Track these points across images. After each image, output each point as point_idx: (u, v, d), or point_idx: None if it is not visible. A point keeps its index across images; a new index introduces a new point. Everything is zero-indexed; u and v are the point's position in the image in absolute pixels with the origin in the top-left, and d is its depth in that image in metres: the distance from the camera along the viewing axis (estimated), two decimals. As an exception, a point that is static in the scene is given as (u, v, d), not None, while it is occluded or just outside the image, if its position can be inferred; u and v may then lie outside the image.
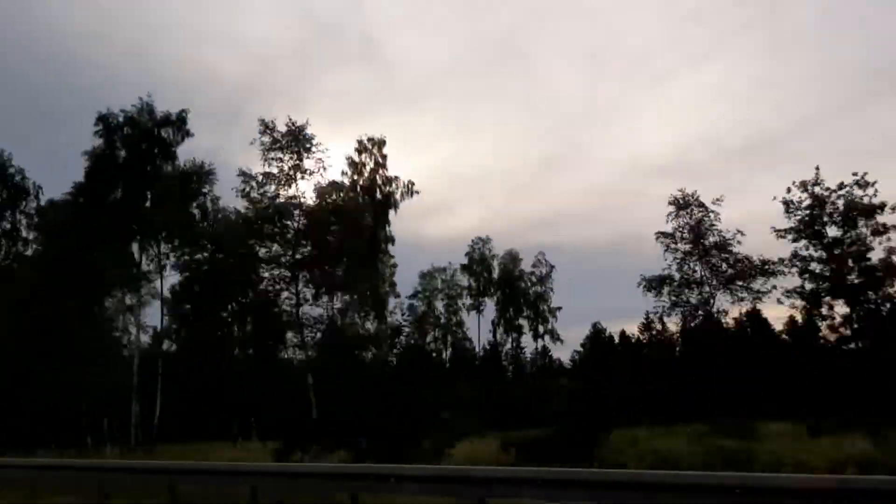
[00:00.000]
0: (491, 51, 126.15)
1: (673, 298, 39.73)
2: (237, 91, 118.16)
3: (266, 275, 38.23)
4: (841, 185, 34.72)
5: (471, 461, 14.77)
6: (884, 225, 34.13)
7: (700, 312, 39.73)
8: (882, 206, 34.04)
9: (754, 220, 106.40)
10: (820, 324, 37.08)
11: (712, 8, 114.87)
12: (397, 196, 44.45)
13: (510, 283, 63.95)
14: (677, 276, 39.49)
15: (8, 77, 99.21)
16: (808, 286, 35.77)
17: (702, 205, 39.35)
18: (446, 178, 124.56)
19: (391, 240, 44.85)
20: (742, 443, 17.36)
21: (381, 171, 44.84)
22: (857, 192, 34.47)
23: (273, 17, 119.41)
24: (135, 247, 37.64)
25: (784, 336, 44.81)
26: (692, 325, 40.99)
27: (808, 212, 35.21)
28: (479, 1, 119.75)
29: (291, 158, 37.40)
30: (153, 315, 41.17)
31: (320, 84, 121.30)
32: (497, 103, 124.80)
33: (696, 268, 39.52)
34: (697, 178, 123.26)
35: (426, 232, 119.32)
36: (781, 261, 36.93)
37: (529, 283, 64.68)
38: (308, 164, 37.54)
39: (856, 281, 34.77)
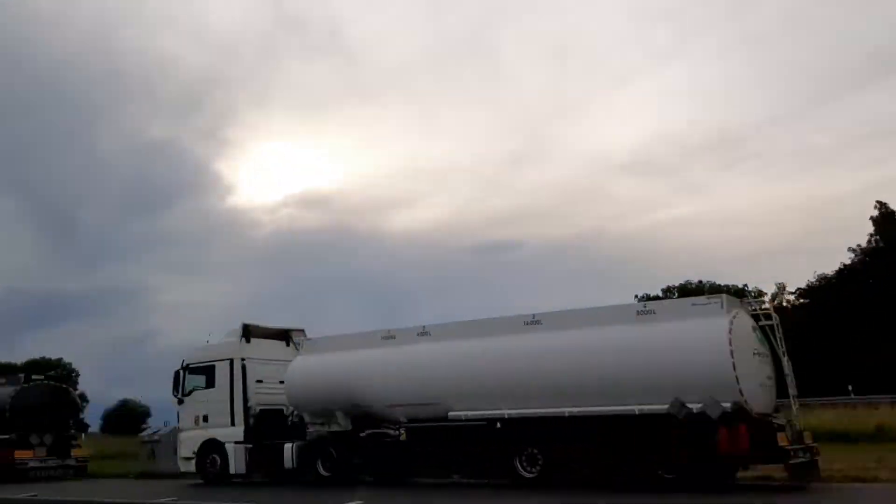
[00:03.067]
0: (457, 45, 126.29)
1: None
2: (198, 80, 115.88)
3: None
4: None
5: None
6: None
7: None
8: None
9: (712, 217, 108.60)
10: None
11: (678, 6, 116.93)
12: None
13: None
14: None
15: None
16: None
17: None
18: (410, 173, 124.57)
19: None
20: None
21: None
22: None
23: (237, 4, 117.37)
24: None
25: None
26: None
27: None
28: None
29: None
30: None
31: (283, 75, 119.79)
32: (462, 98, 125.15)
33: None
34: (659, 176, 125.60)
35: (388, 226, 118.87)
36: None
37: None
38: None
39: None
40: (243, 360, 16.51)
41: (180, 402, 17.32)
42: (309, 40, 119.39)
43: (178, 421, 17.68)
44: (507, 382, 12.37)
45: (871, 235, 41.97)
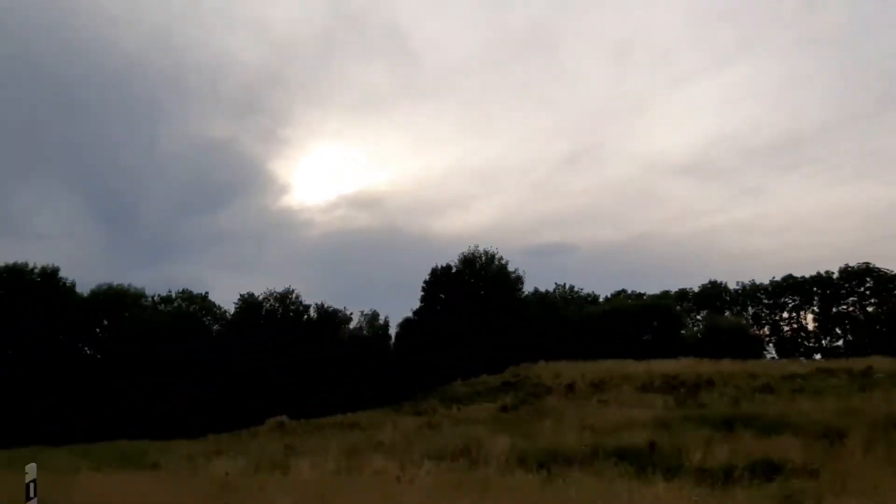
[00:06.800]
0: (515, 44, 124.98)
1: None
2: (257, 79, 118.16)
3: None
4: None
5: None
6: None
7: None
8: None
9: (765, 220, 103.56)
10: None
11: (742, 6, 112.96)
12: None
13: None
14: None
15: (37, 62, 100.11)
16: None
17: None
18: (463, 174, 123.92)
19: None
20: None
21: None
22: None
23: (297, 3, 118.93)
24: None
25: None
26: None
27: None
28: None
29: None
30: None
31: (342, 73, 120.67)
32: (518, 98, 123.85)
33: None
34: (718, 179, 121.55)
35: (440, 226, 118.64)
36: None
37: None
38: None
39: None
40: None
41: None
42: (367, 40, 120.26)
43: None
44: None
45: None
